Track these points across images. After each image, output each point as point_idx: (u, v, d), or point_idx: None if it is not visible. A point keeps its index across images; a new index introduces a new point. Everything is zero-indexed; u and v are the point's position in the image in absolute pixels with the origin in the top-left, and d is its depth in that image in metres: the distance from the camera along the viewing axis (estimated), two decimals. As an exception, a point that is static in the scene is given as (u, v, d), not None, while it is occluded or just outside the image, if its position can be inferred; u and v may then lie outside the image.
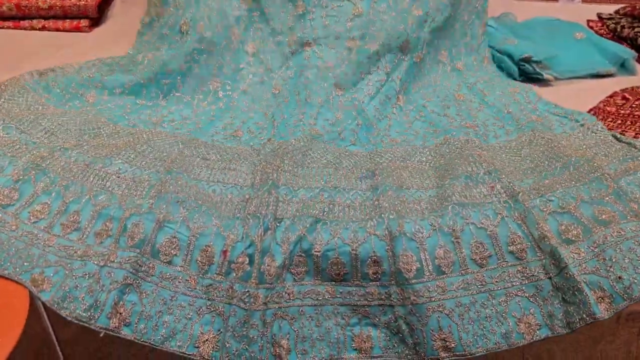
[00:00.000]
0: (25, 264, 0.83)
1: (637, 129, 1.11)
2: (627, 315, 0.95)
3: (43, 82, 1.14)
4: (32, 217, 0.87)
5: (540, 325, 0.80)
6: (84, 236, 0.86)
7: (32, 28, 1.48)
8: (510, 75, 1.33)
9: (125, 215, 0.86)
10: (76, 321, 0.79)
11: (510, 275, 0.83)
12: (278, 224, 0.86)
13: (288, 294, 0.83)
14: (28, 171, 0.91)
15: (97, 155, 0.97)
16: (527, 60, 1.31)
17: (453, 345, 0.79)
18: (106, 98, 1.16)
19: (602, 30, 1.52)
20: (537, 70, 1.31)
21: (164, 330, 0.81)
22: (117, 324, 0.80)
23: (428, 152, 1.07)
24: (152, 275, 0.83)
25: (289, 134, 1.11)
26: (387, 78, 1.22)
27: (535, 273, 0.82)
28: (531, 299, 0.82)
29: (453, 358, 0.80)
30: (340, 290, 0.84)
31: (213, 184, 0.95)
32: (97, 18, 1.52)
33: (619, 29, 1.48)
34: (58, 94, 1.14)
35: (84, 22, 1.48)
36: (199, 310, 0.83)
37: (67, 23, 1.48)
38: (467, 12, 1.34)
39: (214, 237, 0.86)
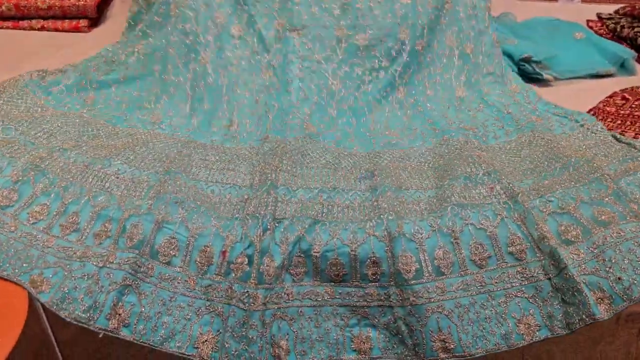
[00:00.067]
0: (24, 265, 0.83)
1: (637, 129, 1.11)
2: (626, 316, 0.95)
3: (42, 83, 1.14)
4: (31, 218, 0.87)
5: (539, 326, 0.80)
6: (83, 237, 0.86)
7: (31, 28, 1.48)
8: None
9: (124, 216, 0.86)
10: (75, 322, 0.79)
11: (510, 276, 0.83)
12: (277, 225, 0.86)
13: (287, 295, 0.83)
14: (27, 172, 0.91)
15: (96, 156, 0.97)
16: (527, 60, 1.31)
17: (452, 346, 0.79)
18: (104, 97, 1.17)
19: (602, 30, 1.52)
20: (537, 70, 1.31)
21: (163, 331, 0.81)
22: (116, 325, 0.80)
23: (427, 153, 1.06)
24: (151, 276, 0.83)
25: (286, 131, 1.10)
26: (383, 70, 1.21)
27: (535, 274, 0.82)
28: (531, 300, 0.81)
29: (452, 359, 0.80)
30: (340, 291, 0.84)
31: (212, 184, 0.95)
32: (96, 18, 1.52)
33: (618, 29, 1.48)
34: (57, 96, 1.14)
35: (83, 22, 1.48)
36: (198, 310, 0.82)
37: (66, 23, 1.48)
38: None
39: (213, 237, 0.86)
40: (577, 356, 1.00)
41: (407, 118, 1.18)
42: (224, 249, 0.84)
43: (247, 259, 0.83)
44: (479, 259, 0.84)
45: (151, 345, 0.81)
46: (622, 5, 1.58)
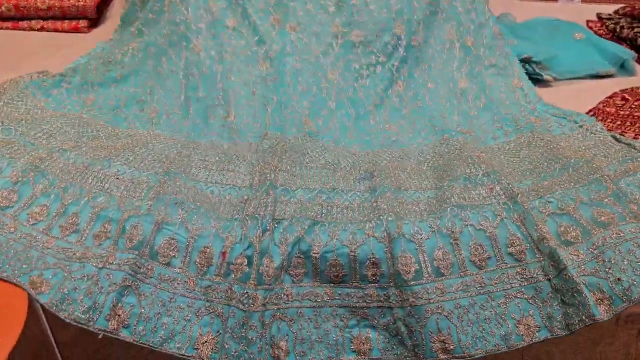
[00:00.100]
0: (24, 266, 0.83)
1: (637, 130, 1.11)
2: (626, 317, 0.95)
3: (43, 85, 1.14)
4: (30, 219, 0.87)
5: (539, 327, 0.80)
6: (83, 238, 0.86)
7: (31, 29, 1.48)
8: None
9: (124, 217, 0.86)
10: (75, 323, 0.79)
11: (510, 276, 0.83)
12: (276, 225, 0.86)
13: (287, 296, 0.83)
14: (27, 173, 0.91)
15: (96, 156, 0.97)
16: (527, 60, 1.31)
17: (452, 347, 0.79)
18: (103, 97, 1.17)
19: (602, 31, 1.52)
20: (537, 70, 1.30)
21: (162, 332, 0.81)
22: (115, 326, 0.80)
23: (427, 151, 1.06)
24: (151, 277, 0.83)
25: (285, 126, 1.09)
26: (380, 65, 1.20)
27: (535, 275, 0.82)
28: (530, 301, 0.81)
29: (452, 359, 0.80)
30: (339, 292, 0.84)
31: (211, 185, 0.95)
32: (96, 19, 1.51)
33: (618, 29, 1.48)
34: (57, 98, 1.14)
35: (82, 23, 1.48)
36: (198, 311, 0.82)
37: (66, 24, 1.48)
38: None
39: (213, 238, 0.86)
40: (577, 357, 1.00)
41: (407, 111, 1.18)
42: (223, 250, 0.84)
43: (246, 260, 0.83)
44: (479, 260, 0.84)
45: (151, 346, 0.81)
46: (621, 5, 1.58)
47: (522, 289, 0.82)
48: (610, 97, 1.22)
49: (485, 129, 1.14)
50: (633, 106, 1.17)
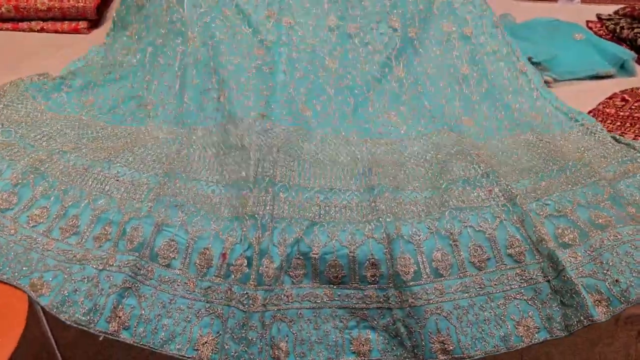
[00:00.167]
0: (24, 268, 0.83)
1: (637, 131, 1.11)
2: (625, 318, 0.95)
3: (44, 88, 1.14)
4: (31, 221, 0.88)
5: (538, 328, 0.80)
6: (83, 240, 0.86)
7: (31, 30, 1.48)
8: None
9: (124, 219, 0.86)
10: (75, 325, 0.80)
11: (509, 278, 0.83)
12: (275, 225, 0.86)
13: (287, 297, 0.83)
14: (27, 175, 0.91)
15: (96, 158, 0.97)
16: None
17: (451, 347, 0.80)
18: (102, 98, 1.17)
19: (602, 31, 1.52)
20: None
21: (163, 334, 0.81)
22: (116, 328, 0.80)
23: (425, 143, 1.06)
24: (151, 279, 0.83)
25: (282, 115, 1.08)
26: (378, 53, 1.21)
27: (534, 276, 0.83)
28: (530, 302, 0.82)
29: (451, 360, 0.80)
30: (339, 293, 0.84)
31: (212, 184, 0.95)
32: (96, 20, 1.52)
33: (618, 30, 1.48)
34: (57, 101, 1.14)
35: (82, 24, 1.48)
36: (198, 312, 0.83)
37: (66, 25, 1.48)
38: None
39: (213, 239, 0.86)
40: (576, 358, 1.00)
41: (407, 97, 1.18)
42: (223, 252, 0.85)
43: (246, 261, 0.83)
44: (478, 261, 0.84)
45: (151, 347, 0.81)
46: (621, 6, 1.58)
47: (522, 290, 0.82)
48: (610, 98, 1.22)
49: (487, 115, 1.14)
50: (633, 107, 1.17)
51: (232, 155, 1.00)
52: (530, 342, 0.80)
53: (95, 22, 1.52)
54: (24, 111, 1.07)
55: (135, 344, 0.81)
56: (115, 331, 0.80)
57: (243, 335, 0.80)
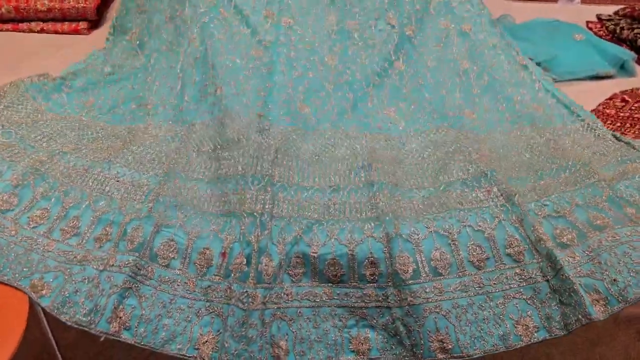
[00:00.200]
0: (25, 269, 0.83)
1: (637, 132, 1.11)
2: (625, 318, 0.95)
3: (44, 89, 1.14)
4: (31, 222, 0.88)
5: (537, 328, 0.80)
6: (84, 241, 0.86)
7: (31, 31, 1.48)
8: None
9: (125, 220, 0.87)
10: (76, 326, 0.80)
11: (508, 277, 0.83)
12: (274, 224, 0.86)
13: (286, 295, 0.83)
14: (27, 176, 0.91)
15: (96, 159, 0.97)
16: (527, 61, 1.31)
17: (450, 346, 0.80)
18: (102, 99, 1.17)
19: (601, 32, 1.51)
20: (537, 71, 1.30)
21: (163, 334, 0.81)
22: (117, 328, 0.80)
23: (422, 139, 1.06)
24: (151, 279, 0.84)
25: (279, 115, 1.08)
26: (378, 46, 1.21)
27: (533, 275, 0.83)
28: (529, 302, 0.82)
29: (450, 359, 0.80)
30: (338, 292, 0.84)
31: (212, 184, 0.95)
32: (95, 20, 1.52)
33: (618, 31, 1.47)
34: (57, 102, 1.14)
35: (82, 25, 1.48)
36: (198, 312, 0.83)
37: (66, 25, 1.48)
38: None
39: (212, 239, 0.86)
40: (576, 358, 1.00)
41: (407, 90, 1.18)
42: (223, 251, 0.85)
43: (245, 259, 0.83)
44: (477, 261, 0.84)
45: (152, 347, 0.81)
46: (621, 6, 1.57)
47: (521, 290, 0.82)
48: (610, 98, 1.22)
49: (488, 107, 1.14)
50: (633, 108, 1.17)
51: (229, 149, 0.99)
52: (529, 341, 0.80)
53: (95, 23, 1.52)
54: (24, 112, 1.08)
55: (136, 344, 0.81)
56: (116, 331, 0.80)
57: (243, 333, 0.80)
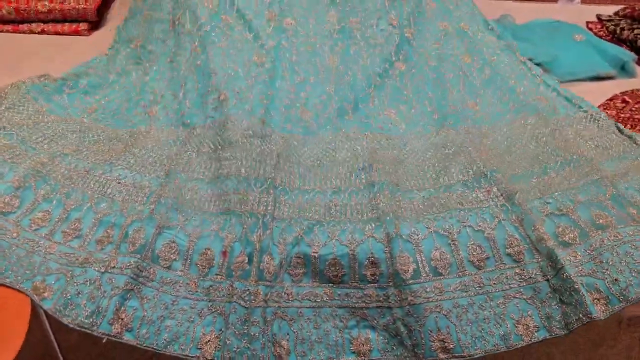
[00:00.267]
0: (27, 272, 0.83)
1: (637, 132, 1.11)
2: (628, 319, 0.95)
3: (45, 90, 1.14)
4: (33, 225, 0.88)
5: (538, 327, 0.81)
6: (85, 243, 0.86)
7: (31, 32, 1.47)
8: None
9: (126, 222, 0.87)
10: (78, 328, 0.80)
11: (508, 277, 0.83)
12: (276, 225, 0.86)
13: (287, 294, 0.83)
14: (29, 178, 0.91)
15: (97, 161, 0.97)
16: (527, 62, 1.31)
17: (451, 346, 0.80)
18: (105, 101, 1.17)
19: (602, 32, 1.51)
20: (537, 72, 1.31)
21: (166, 335, 0.81)
22: (119, 330, 0.80)
23: (423, 142, 1.07)
24: (153, 280, 0.84)
25: (281, 122, 1.08)
26: (380, 46, 1.22)
27: (533, 275, 0.83)
28: (529, 301, 0.82)
29: (452, 359, 0.80)
30: (339, 293, 0.84)
31: (212, 183, 0.95)
32: (96, 22, 1.51)
33: (618, 31, 1.47)
34: (58, 103, 1.14)
35: (83, 26, 1.48)
36: (201, 312, 0.83)
37: (66, 27, 1.48)
38: None
39: (213, 239, 0.86)
40: (578, 358, 1.00)
41: (409, 90, 1.18)
42: (224, 250, 0.85)
43: (246, 258, 0.83)
44: (477, 260, 0.84)
45: (154, 349, 0.81)
46: (621, 6, 1.57)
47: (521, 290, 0.82)
48: (610, 99, 1.22)
49: (491, 101, 1.15)
50: (633, 109, 1.17)
51: (231, 149, 0.99)
52: (530, 340, 0.80)
53: (95, 24, 1.52)
54: (26, 113, 1.07)
55: (139, 346, 0.81)
56: (118, 333, 0.80)
57: (245, 331, 0.80)
